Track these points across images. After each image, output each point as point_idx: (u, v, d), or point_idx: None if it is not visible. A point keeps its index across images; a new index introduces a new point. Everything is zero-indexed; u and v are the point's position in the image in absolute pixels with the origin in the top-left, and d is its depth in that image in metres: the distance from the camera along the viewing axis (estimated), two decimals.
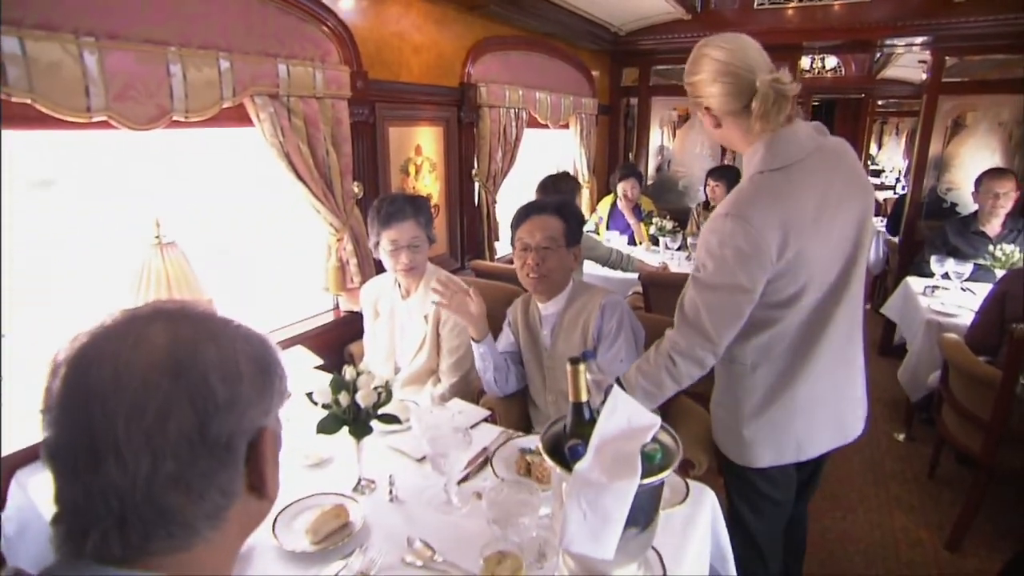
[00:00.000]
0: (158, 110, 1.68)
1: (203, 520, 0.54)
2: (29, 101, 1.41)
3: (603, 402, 1.04)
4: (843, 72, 6.73)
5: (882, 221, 5.50)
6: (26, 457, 1.57)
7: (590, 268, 3.38)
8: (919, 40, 4.12)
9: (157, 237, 1.68)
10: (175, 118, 1.72)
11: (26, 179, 1.71)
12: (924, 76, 4.31)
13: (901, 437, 3.20)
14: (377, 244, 2.08)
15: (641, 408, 1.04)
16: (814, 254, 1.34)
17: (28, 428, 1.46)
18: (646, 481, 0.95)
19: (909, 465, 2.96)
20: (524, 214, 1.88)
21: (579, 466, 0.98)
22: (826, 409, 1.49)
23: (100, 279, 1.86)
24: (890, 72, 6.25)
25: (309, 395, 1.42)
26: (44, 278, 1.77)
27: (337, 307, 2.63)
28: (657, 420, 1.04)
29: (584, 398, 1.06)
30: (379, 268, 2.26)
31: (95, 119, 1.54)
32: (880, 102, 8.41)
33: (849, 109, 8.16)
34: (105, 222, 1.90)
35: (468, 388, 2.15)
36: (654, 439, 1.03)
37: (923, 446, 3.06)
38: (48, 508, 0.54)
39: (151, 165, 1.97)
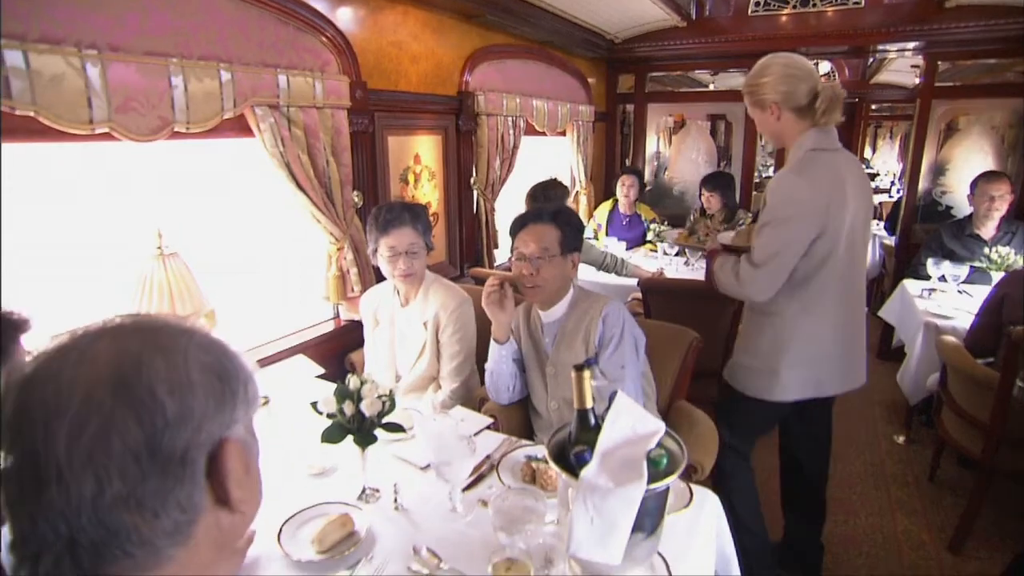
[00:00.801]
0: (160, 122, 1.68)
1: (164, 538, 0.52)
2: (32, 113, 1.42)
3: (607, 409, 1.05)
4: (837, 77, 6.75)
5: (878, 224, 5.52)
6: None
7: (584, 272, 3.38)
8: (911, 45, 4.15)
9: (159, 248, 1.68)
10: (177, 129, 1.73)
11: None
12: (917, 81, 4.35)
13: (901, 440, 3.21)
14: (375, 251, 2.08)
15: (645, 414, 1.05)
16: (843, 220, 1.73)
17: None
18: (653, 486, 0.96)
19: (910, 468, 2.96)
20: (520, 223, 1.89)
21: (586, 472, 0.98)
22: (841, 355, 1.87)
23: (103, 290, 1.85)
24: (883, 77, 6.29)
25: (313, 404, 1.43)
26: (44, 290, 1.76)
27: (338, 316, 2.63)
28: (662, 425, 1.04)
29: (589, 404, 1.06)
30: (379, 277, 2.26)
31: (97, 131, 1.55)
32: (874, 106, 8.42)
33: (843, 113, 8.19)
34: (107, 231, 1.89)
35: (469, 395, 2.15)
36: (659, 444, 1.03)
37: (923, 449, 3.07)
38: None
39: (153, 175, 1.97)
